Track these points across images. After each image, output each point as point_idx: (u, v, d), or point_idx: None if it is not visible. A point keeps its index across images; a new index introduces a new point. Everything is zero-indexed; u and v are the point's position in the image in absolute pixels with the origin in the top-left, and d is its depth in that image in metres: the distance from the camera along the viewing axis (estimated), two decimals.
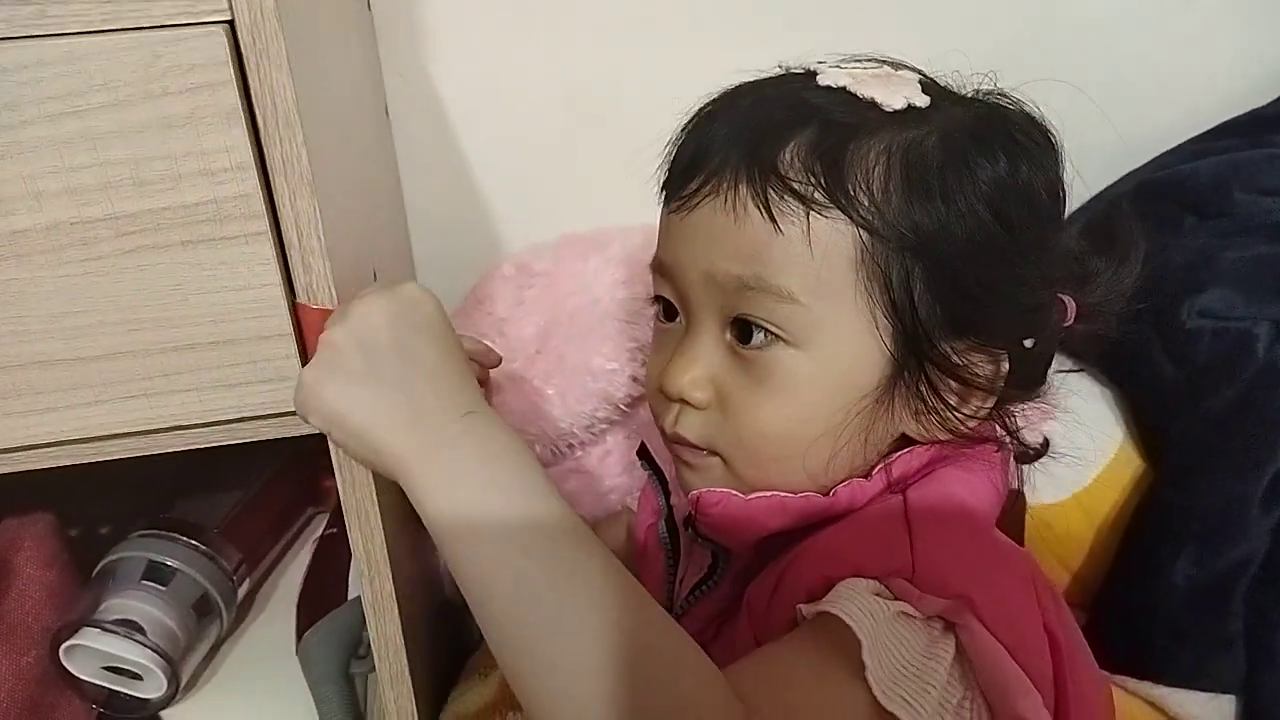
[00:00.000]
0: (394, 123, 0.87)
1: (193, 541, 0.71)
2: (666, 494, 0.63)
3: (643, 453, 0.64)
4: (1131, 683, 0.70)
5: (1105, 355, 0.76)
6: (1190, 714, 0.68)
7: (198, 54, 0.45)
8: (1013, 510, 0.69)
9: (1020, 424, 0.59)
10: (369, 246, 0.67)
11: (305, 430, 0.53)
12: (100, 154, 0.46)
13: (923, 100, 0.52)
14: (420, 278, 0.92)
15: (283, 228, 0.49)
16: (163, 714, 0.69)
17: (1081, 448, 0.71)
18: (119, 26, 0.45)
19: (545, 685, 0.43)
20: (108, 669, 0.67)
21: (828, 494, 0.53)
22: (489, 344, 0.68)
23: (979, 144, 0.51)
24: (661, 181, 0.56)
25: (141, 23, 0.45)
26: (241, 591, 0.75)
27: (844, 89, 0.52)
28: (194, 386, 0.52)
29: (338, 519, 0.72)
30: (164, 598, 0.68)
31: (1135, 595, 0.71)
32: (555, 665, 0.43)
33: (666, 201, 0.55)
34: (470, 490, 0.46)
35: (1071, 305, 0.57)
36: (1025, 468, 0.63)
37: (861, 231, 0.49)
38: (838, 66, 0.54)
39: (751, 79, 0.56)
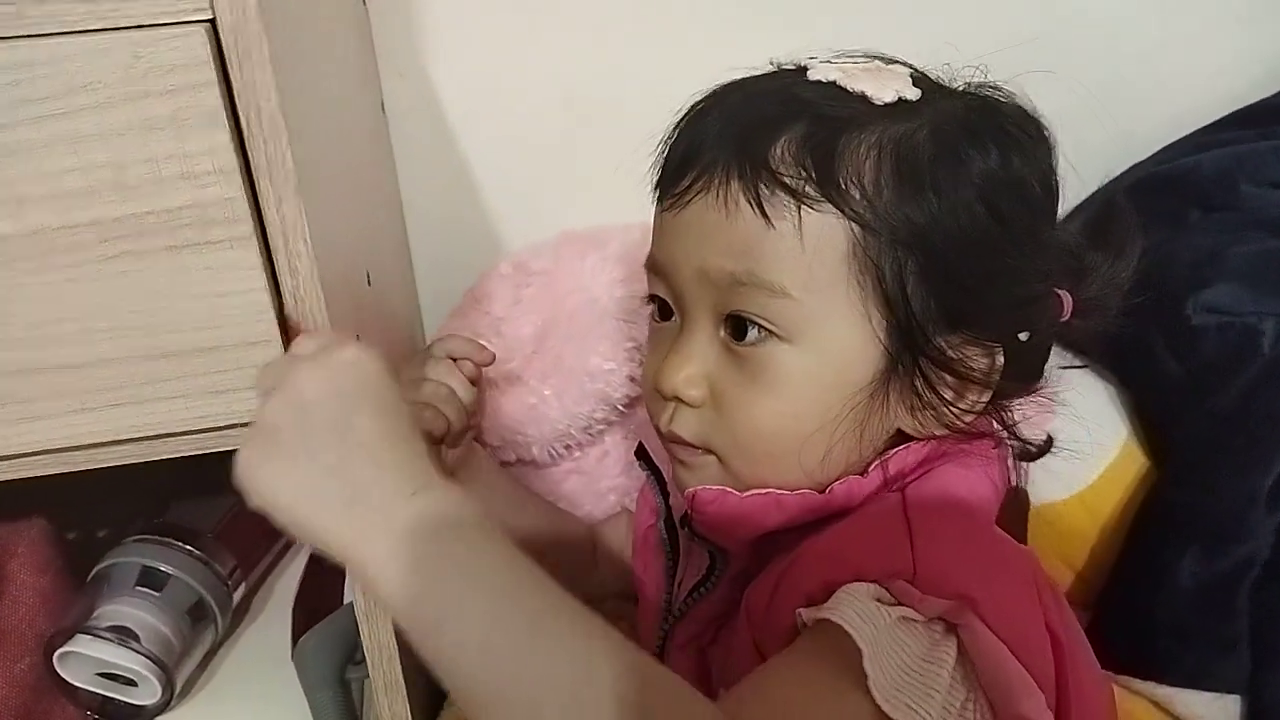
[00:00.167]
0: (391, 121, 0.86)
1: (187, 547, 0.71)
2: (665, 494, 0.63)
3: (640, 453, 0.64)
4: (1135, 683, 0.69)
5: (1109, 351, 0.75)
6: (1194, 714, 0.67)
7: (178, 54, 0.45)
8: (1015, 507, 0.69)
9: (1023, 421, 0.59)
10: (362, 249, 0.66)
11: None
12: (82, 157, 0.46)
13: (913, 93, 0.52)
14: (419, 277, 0.92)
15: (268, 232, 0.49)
16: None
17: (1085, 445, 0.70)
18: (98, 27, 0.44)
19: None
20: (102, 675, 0.67)
21: (824, 491, 0.53)
22: (482, 342, 0.67)
23: (971, 136, 0.51)
24: (655, 180, 0.56)
25: (120, 23, 0.44)
26: (236, 597, 0.74)
27: (834, 83, 0.52)
28: (181, 393, 0.51)
29: None
30: (158, 604, 0.68)
31: (1139, 594, 0.70)
32: None
33: (660, 199, 0.55)
34: (422, 576, 0.41)
35: (1068, 300, 0.56)
36: (1029, 465, 0.63)
37: (853, 225, 0.49)
38: (828, 62, 0.54)
39: (743, 76, 0.55)
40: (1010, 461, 0.59)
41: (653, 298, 0.57)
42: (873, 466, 0.53)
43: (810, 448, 0.52)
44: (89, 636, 0.65)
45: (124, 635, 0.66)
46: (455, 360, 0.65)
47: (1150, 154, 0.85)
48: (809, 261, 0.49)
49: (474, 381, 0.65)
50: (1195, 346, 0.70)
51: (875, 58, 0.55)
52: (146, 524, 0.72)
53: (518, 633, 0.41)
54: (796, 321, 0.50)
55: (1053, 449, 0.69)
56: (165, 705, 0.68)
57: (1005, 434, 0.56)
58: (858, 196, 0.49)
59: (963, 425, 0.53)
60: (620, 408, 0.74)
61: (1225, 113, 0.85)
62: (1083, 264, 0.58)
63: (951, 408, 0.53)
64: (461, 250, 0.89)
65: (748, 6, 0.84)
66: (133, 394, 0.51)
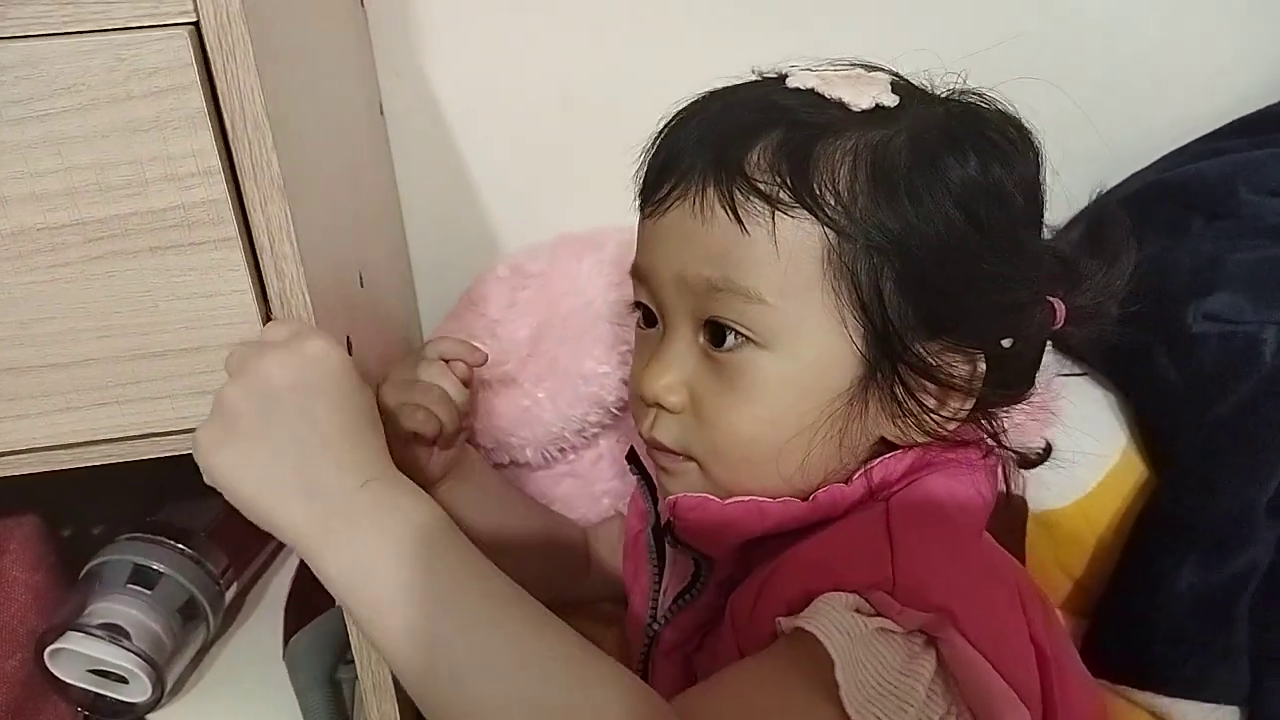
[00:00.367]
0: (389, 122, 0.86)
1: (179, 545, 0.71)
2: (655, 500, 0.63)
3: (632, 457, 0.64)
4: (1133, 693, 0.69)
5: (1109, 359, 0.75)
6: None
7: (162, 56, 0.45)
8: (1012, 515, 0.68)
9: (1021, 428, 0.58)
10: (355, 250, 0.66)
11: None
12: (65, 159, 0.46)
13: (891, 100, 0.51)
14: (416, 278, 0.92)
15: (254, 234, 0.49)
16: (148, 718, 0.69)
17: (1084, 453, 0.70)
18: (81, 29, 0.44)
19: None
20: (93, 672, 0.67)
21: (807, 499, 0.53)
22: (475, 344, 0.67)
23: (949, 143, 0.51)
24: (637, 188, 0.56)
25: (104, 25, 0.44)
26: (228, 596, 0.74)
27: (812, 90, 0.52)
28: (167, 394, 0.51)
29: None
30: (149, 602, 0.68)
31: (1138, 603, 0.70)
32: None
33: (641, 207, 0.55)
34: (369, 563, 0.45)
35: (1061, 308, 0.56)
36: (1027, 472, 0.62)
37: (828, 231, 0.49)
38: (807, 69, 0.54)
39: (724, 84, 0.55)
40: (1002, 471, 0.58)
41: (638, 304, 0.57)
42: (857, 474, 0.53)
43: (788, 454, 0.52)
44: (80, 634, 0.66)
45: (115, 633, 0.66)
46: (448, 362, 0.65)
47: (1148, 160, 0.84)
48: (784, 267, 0.49)
49: (466, 383, 0.65)
50: (1195, 355, 0.70)
51: (858, 65, 0.55)
52: (139, 522, 0.73)
53: (457, 618, 0.43)
54: (773, 328, 0.50)
55: (1052, 456, 0.69)
56: (156, 703, 0.68)
57: (992, 442, 0.56)
58: (832, 202, 0.49)
59: (945, 433, 0.53)
60: (614, 411, 0.74)
61: (1223, 117, 0.84)
62: (1074, 270, 0.57)
63: (933, 415, 0.52)
64: (460, 251, 0.89)
65: (745, 7, 0.83)
66: (118, 394, 0.51)
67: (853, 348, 0.50)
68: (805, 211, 0.49)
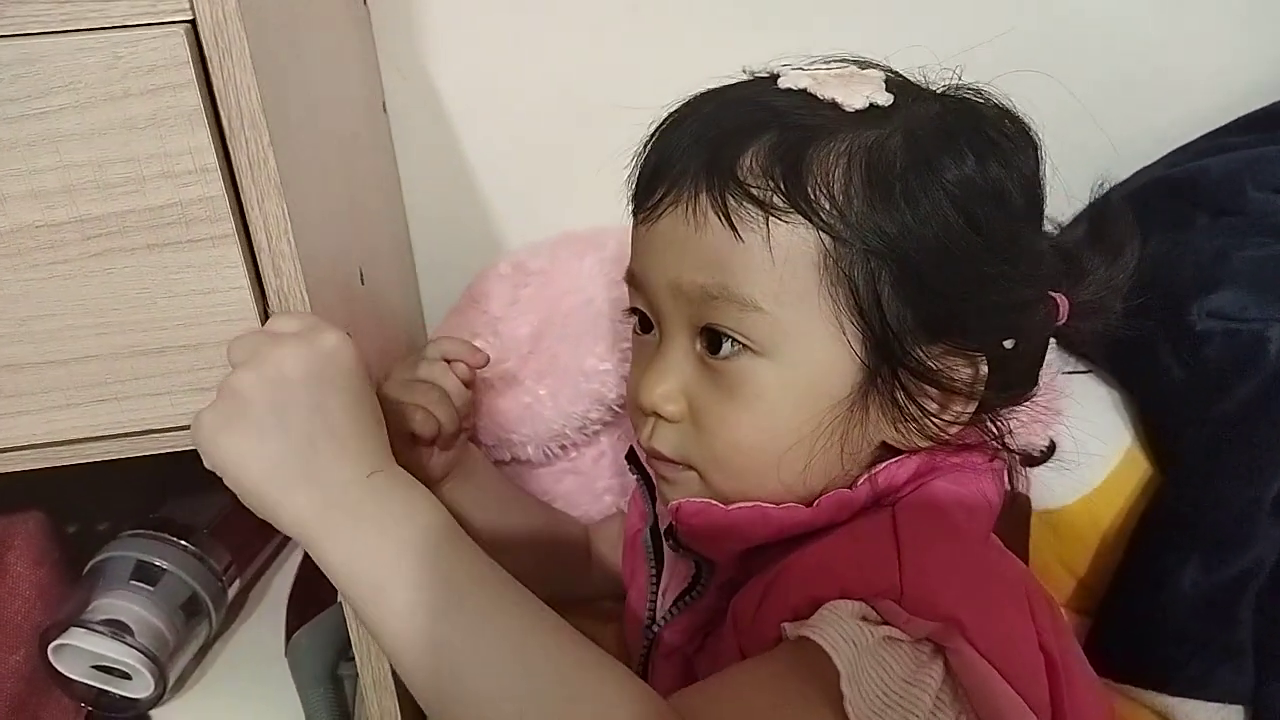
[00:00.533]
0: (392, 119, 0.86)
1: (181, 542, 0.72)
2: (654, 499, 0.62)
3: (631, 457, 0.64)
4: (1137, 692, 0.69)
5: (1113, 357, 0.75)
6: None
7: (158, 54, 0.45)
8: (1016, 514, 0.68)
9: (1024, 427, 0.58)
10: (355, 246, 0.66)
11: None
12: (63, 156, 0.46)
13: (885, 99, 0.50)
14: (420, 276, 0.92)
15: (251, 231, 0.49)
16: (151, 714, 0.70)
17: (1088, 451, 0.70)
18: (78, 27, 0.44)
19: None
20: (96, 668, 0.68)
21: (811, 504, 0.52)
22: (477, 344, 0.67)
23: (945, 142, 0.50)
24: (630, 192, 0.55)
25: (101, 23, 0.44)
26: (231, 592, 0.75)
27: (805, 91, 0.51)
28: (165, 390, 0.51)
29: None
30: (152, 598, 0.69)
31: (1141, 602, 0.69)
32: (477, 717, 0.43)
33: (634, 212, 0.55)
34: (371, 552, 0.45)
35: (1064, 303, 0.55)
36: (1030, 470, 0.62)
37: (823, 236, 0.48)
38: (800, 69, 0.53)
39: (716, 85, 0.55)
40: (1008, 472, 0.57)
41: (633, 310, 0.56)
42: (861, 479, 0.52)
43: (789, 462, 0.51)
44: (83, 629, 0.66)
45: (118, 629, 0.66)
46: (449, 362, 0.65)
47: (1153, 158, 0.84)
48: (779, 274, 0.48)
49: (468, 384, 0.65)
50: (1200, 352, 0.69)
51: (852, 62, 0.54)
52: (142, 519, 0.73)
53: (458, 614, 0.43)
54: (770, 335, 0.49)
55: (1056, 454, 0.69)
56: (158, 699, 0.69)
57: (997, 445, 0.55)
58: (827, 206, 0.48)
59: (947, 437, 0.52)
60: (615, 408, 0.74)
61: (1228, 114, 0.83)
62: (1077, 265, 0.56)
63: (935, 419, 0.51)
64: (463, 249, 0.89)
65: (747, 6, 0.83)
66: (117, 390, 0.51)
67: (851, 354, 0.50)
68: (800, 216, 0.48)
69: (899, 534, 0.48)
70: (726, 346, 0.51)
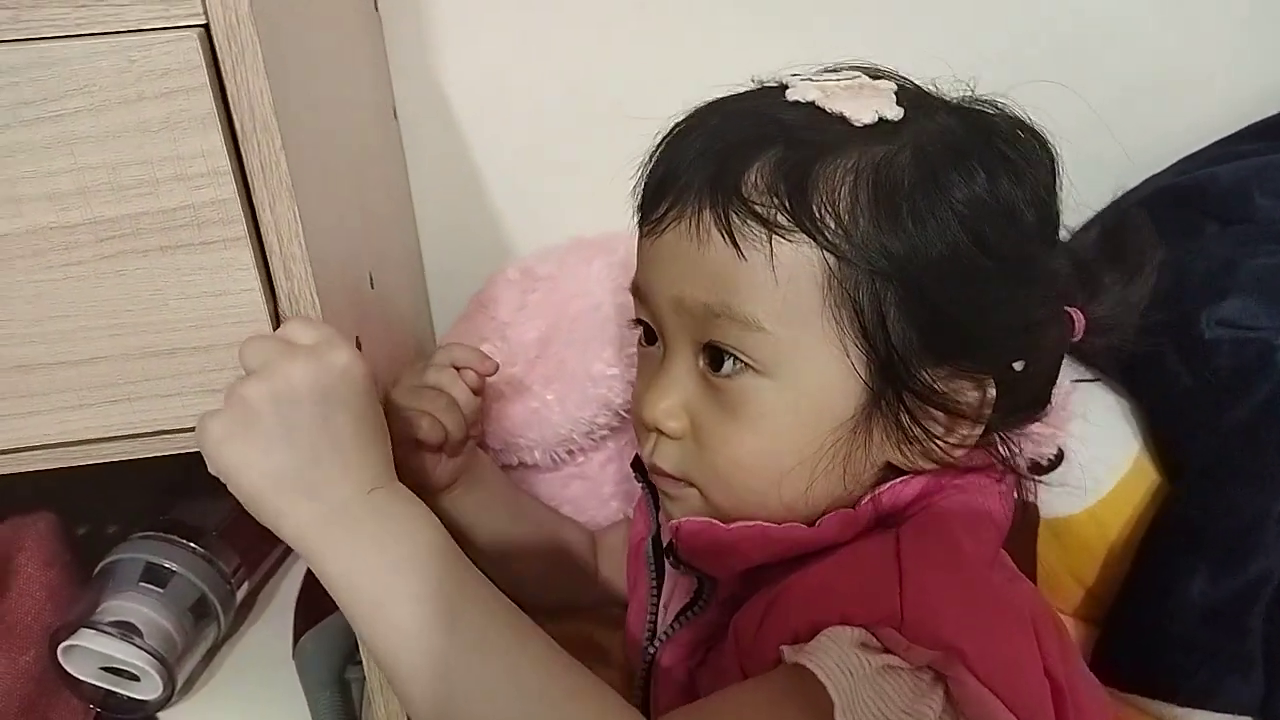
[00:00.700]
0: (403, 125, 0.87)
1: (191, 544, 0.72)
2: (659, 508, 0.62)
3: (637, 464, 0.64)
4: (1145, 702, 0.68)
5: (1122, 365, 0.75)
6: None
7: (172, 58, 0.45)
8: (1024, 522, 0.68)
9: (1031, 439, 0.57)
10: (365, 250, 0.66)
11: None
12: (77, 159, 0.46)
13: (895, 113, 0.49)
14: (429, 281, 0.92)
15: (263, 233, 0.49)
16: (159, 715, 0.70)
17: (1096, 460, 0.70)
18: (93, 31, 0.44)
19: None
20: (105, 670, 0.68)
21: (813, 524, 0.51)
22: (485, 350, 0.67)
23: (955, 159, 0.49)
24: (635, 202, 0.54)
25: (115, 27, 0.44)
26: (240, 595, 0.75)
27: (813, 104, 0.50)
28: (177, 391, 0.52)
29: None
30: (161, 600, 0.69)
31: (1150, 611, 0.69)
32: None
33: (639, 225, 0.54)
34: (366, 569, 0.46)
35: (1080, 319, 0.54)
36: (1038, 479, 0.62)
37: (828, 255, 0.47)
38: (809, 80, 0.52)
39: (724, 94, 0.54)
40: (1016, 489, 0.57)
41: (638, 322, 0.56)
42: (865, 499, 0.51)
43: (790, 482, 0.51)
44: (93, 631, 0.66)
45: (127, 630, 0.67)
46: (459, 369, 0.65)
47: (1163, 165, 0.83)
48: (783, 294, 0.48)
49: (477, 391, 0.65)
50: (1209, 361, 0.69)
51: (864, 70, 0.53)
52: (152, 521, 0.73)
53: (454, 634, 0.44)
54: (772, 355, 0.49)
55: (1064, 463, 0.69)
56: (166, 701, 0.69)
57: (1003, 467, 0.54)
58: (833, 226, 0.47)
59: (951, 459, 0.51)
60: (622, 413, 0.74)
61: (1239, 122, 0.83)
62: (1094, 280, 0.56)
63: (940, 442, 0.51)
64: (472, 254, 0.90)
65: (763, 11, 0.83)
66: (128, 391, 0.51)
67: (855, 376, 0.49)
68: (804, 235, 0.47)
69: (902, 559, 0.48)
70: (728, 364, 0.50)
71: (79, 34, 0.45)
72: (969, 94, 0.53)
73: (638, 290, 0.55)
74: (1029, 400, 0.54)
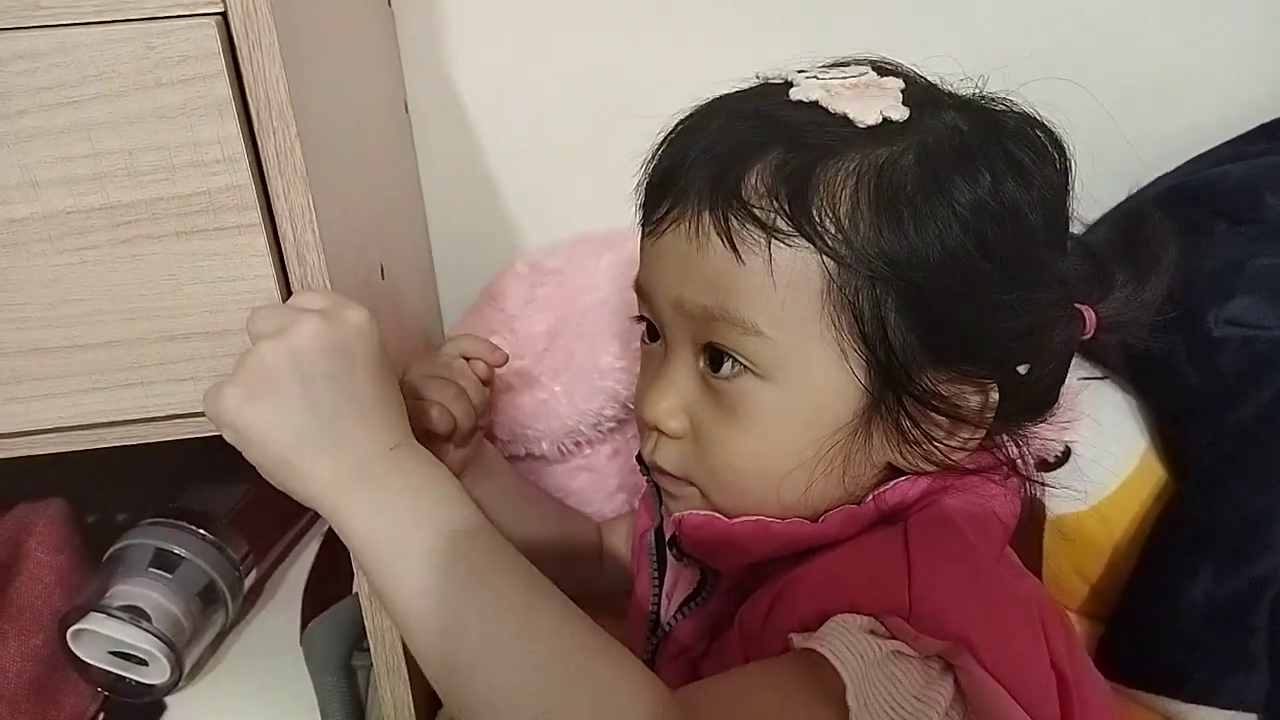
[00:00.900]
0: (414, 120, 0.87)
1: (200, 530, 0.72)
2: (662, 500, 0.62)
3: (641, 458, 0.64)
4: (1149, 698, 0.68)
5: (1129, 363, 0.75)
6: None
7: (190, 45, 0.46)
8: (1029, 519, 0.68)
9: (1038, 437, 0.57)
10: (377, 243, 0.67)
11: None
12: (95, 144, 0.47)
13: (900, 113, 0.48)
14: (439, 275, 0.93)
15: (276, 220, 0.50)
16: (167, 700, 0.70)
17: (1103, 458, 0.70)
18: (112, 18, 0.45)
19: (475, 710, 0.43)
20: (114, 654, 0.68)
21: (817, 520, 0.51)
22: (495, 343, 0.68)
23: (959, 161, 0.48)
24: (638, 201, 0.54)
25: (133, 14, 0.45)
26: (248, 581, 0.75)
27: (816, 104, 0.49)
28: (190, 376, 0.52)
29: None
30: (170, 585, 0.69)
31: (1154, 609, 0.69)
32: (483, 694, 0.43)
33: (641, 223, 0.54)
34: (390, 523, 0.46)
35: (1091, 317, 0.54)
36: (1045, 476, 0.62)
37: (827, 261, 0.47)
38: (814, 77, 0.51)
39: (729, 91, 0.53)
40: (1022, 487, 0.56)
41: (641, 318, 0.56)
42: (868, 498, 0.51)
43: (789, 485, 0.50)
44: (101, 615, 0.67)
45: (136, 615, 0.67)
46: (468, 359, 0.65)
47: (1173, 164, 0.83)
48: (781, 298, 0.47)
49: (486, 382, 0.65)
50: (1217, 360, 0.69)
51: (871, 64, 0.53)
52: (161, 507, 0.74)
53: (474, 588, 0.44)
54: (771, 359, 0.49)
55: (1070, 460, 0.69)
56: (174, 685, 0.69)
57: (1007, 470, 0.54)
58: (832, 230, 0.46)
59: (952, 462, 0.51)
60: (629, 405, 0.74)
61: (1248, 122, 0.83)
62: (1107, 279, 0.55)
63: (940, 445, 0.50)
64: (482, 248, 0.90)
65: (768, 11, 0.83)
66: (142, 375, 0.52)
67: (855, 380, 0.49)
68: (804, 240, 0.46)
69: (910, 551, 0.47)
70: (727, 366, 0.50)
71: (98, 21, 0.45)
72: (979, 91, 0.52)
73: (640, 289, 0.55)
74: (1034, 403, 0.54)
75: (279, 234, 0.50)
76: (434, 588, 0.44)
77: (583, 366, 0.74)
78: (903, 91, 0.50)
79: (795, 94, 0.50)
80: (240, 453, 0.48)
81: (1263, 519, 0.65)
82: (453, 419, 0.60)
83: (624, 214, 0.82)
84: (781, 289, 0.47)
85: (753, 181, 0.47)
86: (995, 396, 0.50)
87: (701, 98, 0.54)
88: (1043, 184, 0.50)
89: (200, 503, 0.75)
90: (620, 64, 0.86)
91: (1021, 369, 0.51)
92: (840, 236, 0.46)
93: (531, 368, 0.75)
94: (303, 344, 0.46)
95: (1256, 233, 0.74)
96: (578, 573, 0.73)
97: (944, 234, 0.47)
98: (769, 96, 0.52)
